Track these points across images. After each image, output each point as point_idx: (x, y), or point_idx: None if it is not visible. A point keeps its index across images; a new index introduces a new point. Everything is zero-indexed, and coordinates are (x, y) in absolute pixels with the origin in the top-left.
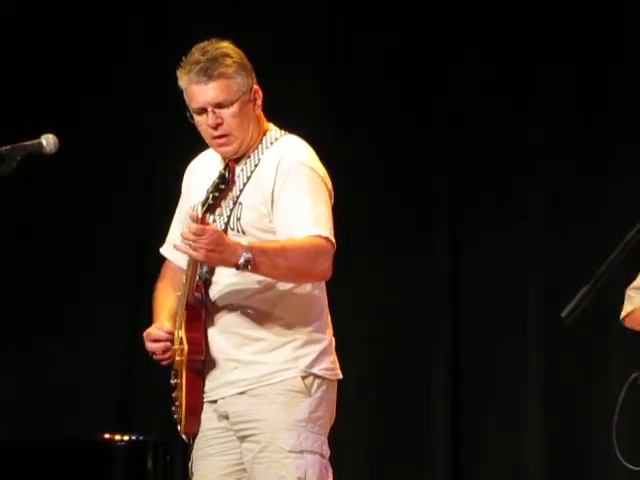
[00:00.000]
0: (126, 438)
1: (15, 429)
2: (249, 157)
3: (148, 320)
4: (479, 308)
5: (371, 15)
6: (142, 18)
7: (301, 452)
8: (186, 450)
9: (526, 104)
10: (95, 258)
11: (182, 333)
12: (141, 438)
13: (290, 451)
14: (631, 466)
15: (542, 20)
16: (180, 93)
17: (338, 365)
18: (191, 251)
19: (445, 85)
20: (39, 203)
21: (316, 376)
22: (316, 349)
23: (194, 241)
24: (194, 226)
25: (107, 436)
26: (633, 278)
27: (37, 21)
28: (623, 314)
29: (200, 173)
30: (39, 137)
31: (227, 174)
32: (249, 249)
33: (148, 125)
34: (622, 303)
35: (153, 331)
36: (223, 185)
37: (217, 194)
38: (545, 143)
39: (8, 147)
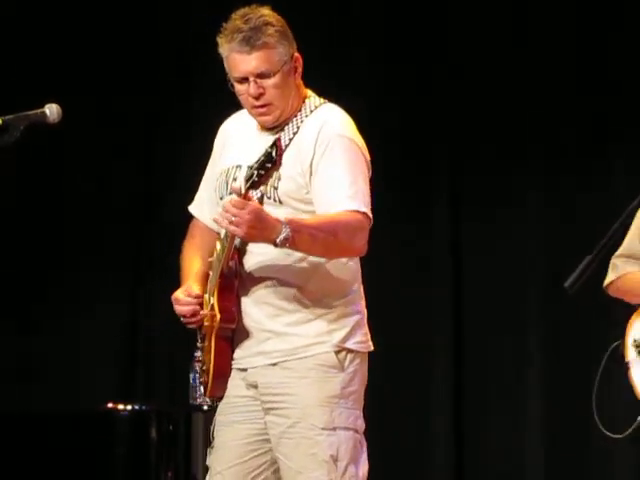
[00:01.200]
0: (129, 408)
1: (17, 399)
2: (287, 125)
3: (150, 290)
4: (481, 306)
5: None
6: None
7: (334, 429)
8: (189, 419)
9: (527, 104)
10: (95, 235)
11: (214, 300)
12: (144, 408)
13: (323, 428)
14: (611, 434)
15: (543, 17)
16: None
17: (369, 337)
18: (232, 227)
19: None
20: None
21: (349, 350)
22: (350, 322)
23: (235, 215)
24: (236, 198)
25: (110, 406)
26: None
27: (40, 10)
28: (606, 282)
29: (234, 134)
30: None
31: (274, 152)
32: (287, 225)
33: (147, 126)
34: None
35: (181, 296)
36: (269, 164)
37: (262, 172)
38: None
39: (11, 116)
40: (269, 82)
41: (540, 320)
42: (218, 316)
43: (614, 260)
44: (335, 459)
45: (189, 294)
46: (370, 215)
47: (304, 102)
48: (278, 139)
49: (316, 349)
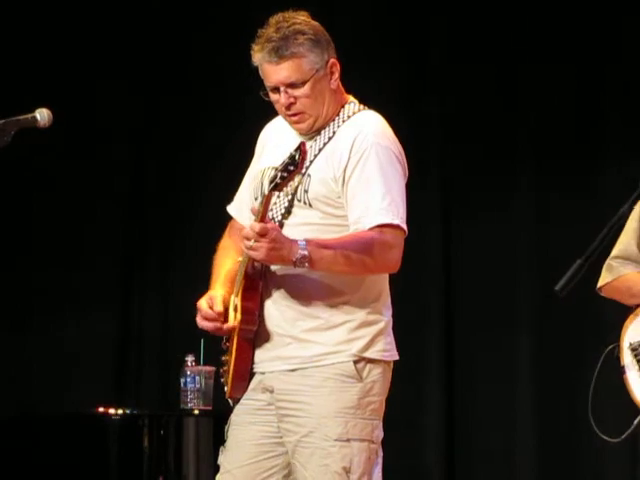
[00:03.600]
0: (120, 412)
1: (9, 404)
2: (324, 129)
3: (141, 295)
4: (471, 301)
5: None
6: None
7: (347, 440)
8: (180, 424)
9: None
10: (85, 239)
11: (238, 301)
12: (135, 412)
13: (336, 439)
14: (607, 438)
15: (540, 21)
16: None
17: (394, 346)
18: (252, 252)
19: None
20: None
21: (368, 360)
22: (371, 331)
23: (256, 240)
24: (257, 226)
25: (101, 410)
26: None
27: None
28: (600, 283)
29: (273, 137)
30: (33, 111)
31: (297, 156)
32: (305, 247)
33: (136, 126)
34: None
35: (204, 308)
36: (292, 167)
37: (285, 174)
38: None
39: (2, 121)
40: (300, 91)
41: (534, 311)
42: (239, 317)
43: (610, 261)
44: (348, 471)
45: (211, 307)
46: (404, 227)
47: (343, 108)
48: (303, 143)
49: (334, 358)
